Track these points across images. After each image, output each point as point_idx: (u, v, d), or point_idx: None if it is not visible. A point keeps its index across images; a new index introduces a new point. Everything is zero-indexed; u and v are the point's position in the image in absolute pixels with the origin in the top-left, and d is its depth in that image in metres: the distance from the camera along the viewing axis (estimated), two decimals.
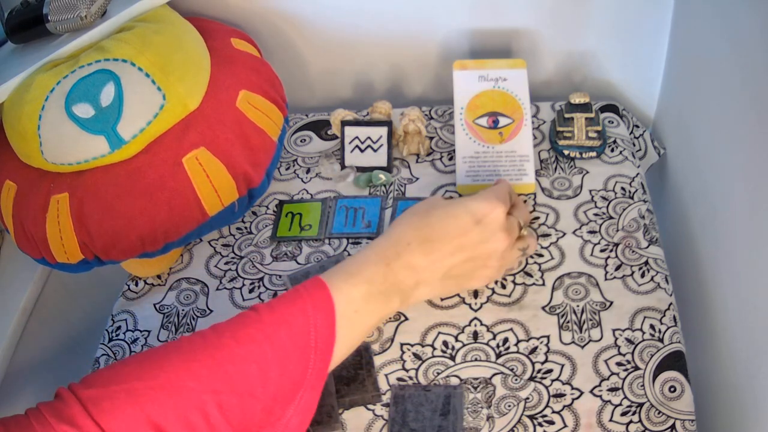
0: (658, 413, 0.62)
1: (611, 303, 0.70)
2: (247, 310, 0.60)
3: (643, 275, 0.72)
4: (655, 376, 0.64)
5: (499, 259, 0.67)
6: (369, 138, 0.85)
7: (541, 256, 0.74)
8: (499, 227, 0.65)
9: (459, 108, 0.82)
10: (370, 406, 0.66)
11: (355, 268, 0.62)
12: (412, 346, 0.70)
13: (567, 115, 0.82)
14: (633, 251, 0.74)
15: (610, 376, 0.65)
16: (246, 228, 0.82)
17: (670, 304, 0.69)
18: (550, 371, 0.66)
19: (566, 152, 0.83)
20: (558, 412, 0.64)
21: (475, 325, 0.70)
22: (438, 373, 0.67)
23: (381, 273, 0.62)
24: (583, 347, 0.67)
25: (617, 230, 0.76)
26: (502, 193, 0.67)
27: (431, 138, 0.88)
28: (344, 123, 0.85)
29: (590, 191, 0.79)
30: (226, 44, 0.79)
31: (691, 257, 0.80)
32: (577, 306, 0.70)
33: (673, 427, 0.61)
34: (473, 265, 0.66)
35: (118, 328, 0.76)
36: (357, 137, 0.85)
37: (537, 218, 0.78)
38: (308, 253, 0.78)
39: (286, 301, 0.59)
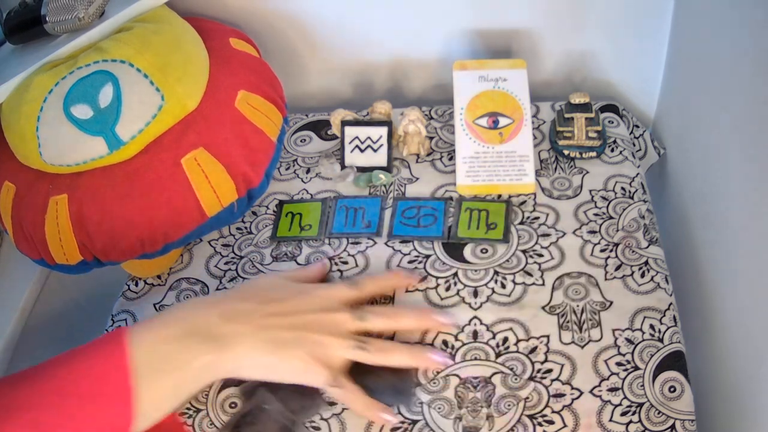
0: (658, 413, 0.62)
1: (611, 303, 0.70)
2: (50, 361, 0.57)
3: (643, 275, 0.71)
4: (655, 376, 0.64)
5: (308, 328, 0.62)
6: (369, 138, 0.85)
7: (541, 256, 0.74)
8: (315, 288, 0.66)
9: (459, 108, 0.82)
10: None
11: (162, 313, 0.61)
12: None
13: (567, 115, 0.82)
14: (633, 251, 0.73)
15: (610, 376, 0.65)
16: (246, 228, 0.82)
17: (670, 304, 0.69)
18: (549, 371, 0.66)
19: (566, 152, 0.83)
20: (558, 412, 0.64)
21: (475, 325, 0.70)
22: (437, 372, 0.67)
23: (183, 316, 0.60)
24: (582, 347, 0.67)
25: (617, 230, 0.75)
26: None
27: (431, 138, 0.88)
28: (344, 123, 0.85)
29: (590, 191, 0.79)
30: (224, 44, 0.79)
31: (691, 257, 0.80)
32: (577, 306, 0.70)
33: (673, 427, 0.61)
34: (288, 332, 0.62)
35: (118, 328, 0.76)
36: (357, 137, 0.85)
37: (537, 218, 0.78)
38: (308, 253, 0.78)
39: (80, 353, 0.57)
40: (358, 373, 0.65)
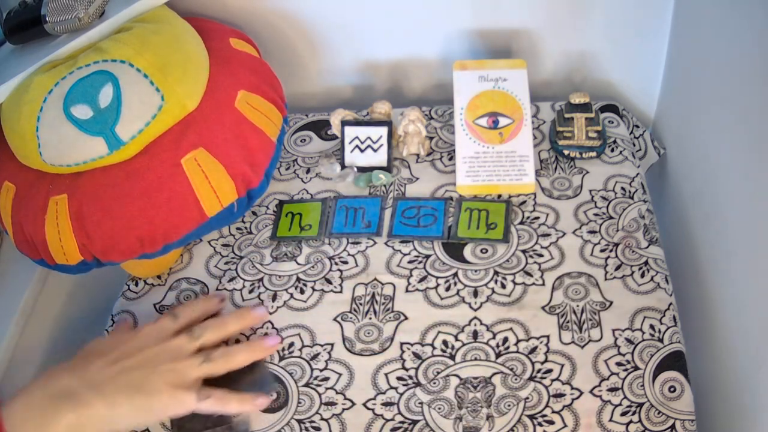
0: (658, 413, 0.62)
1: (611, 303, 0.70)
2: None
3: (643, 275, 0.71)
4: (654, 376, 0.64)
5: (155, 361, 0.65)
6: (369, 138, 0.85)
7: (541, 256, 0.74)
8: (142, 327, 0.68)
9: (459, 108, 0.82)
10: (370, 405, 0.66)
11: (29, 382, 0.62)
12: (411, 345, 0.70)
13: (567, 115, 0.82)
14: (633, 251, 0.73)
15: (609, 376, 0.65)
16: (246, 228, 0.82)
17: (670, 304, 0.69)
18: (549, 371, 0.66)
19: (566, 152, 0.83)
20: (558, 412, 0.64)
21: (475, 325, 0.70)
22: (437, 373, 0.67)
23: (41, 384, 0.62)
24: (582, 347, 0.67)
25: (617, 230, 0.75)
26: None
27: (431, 138, 0.88)
28: (344, 123, 0.85)
29: (590, 191, 0.79)
30: (224, 44, 0.79)
31: (691, 257, 0.80)
32: (577, 306, 0.70)
33: (672, 427, 0.61)
34: (138, 370, 0.64)
35: None
36: (357, 137, 0.85)
37: (537, 218, 0.78)
38: (308, 253, 0.78)
39: None
40: (215, 386, 0.67)
